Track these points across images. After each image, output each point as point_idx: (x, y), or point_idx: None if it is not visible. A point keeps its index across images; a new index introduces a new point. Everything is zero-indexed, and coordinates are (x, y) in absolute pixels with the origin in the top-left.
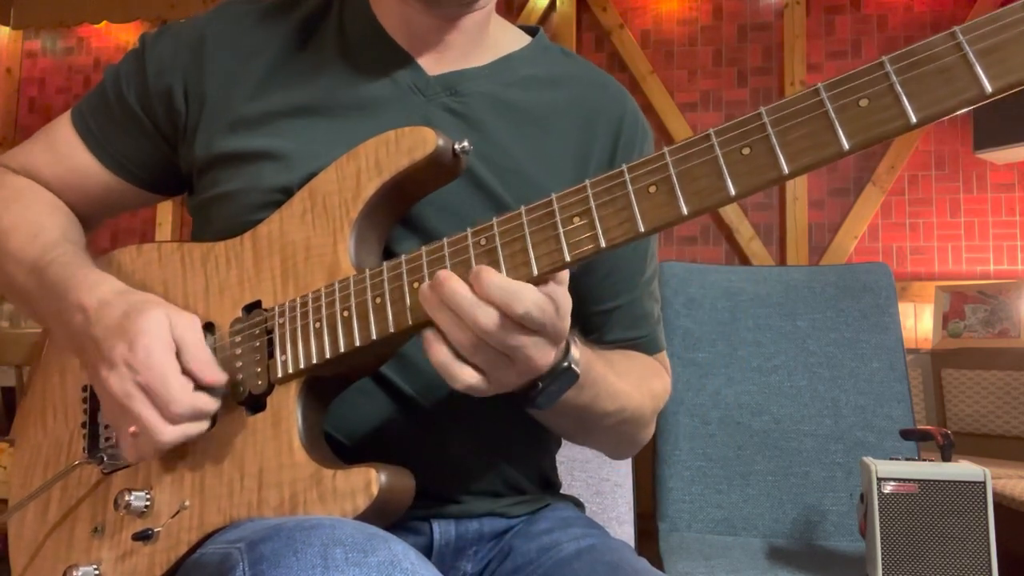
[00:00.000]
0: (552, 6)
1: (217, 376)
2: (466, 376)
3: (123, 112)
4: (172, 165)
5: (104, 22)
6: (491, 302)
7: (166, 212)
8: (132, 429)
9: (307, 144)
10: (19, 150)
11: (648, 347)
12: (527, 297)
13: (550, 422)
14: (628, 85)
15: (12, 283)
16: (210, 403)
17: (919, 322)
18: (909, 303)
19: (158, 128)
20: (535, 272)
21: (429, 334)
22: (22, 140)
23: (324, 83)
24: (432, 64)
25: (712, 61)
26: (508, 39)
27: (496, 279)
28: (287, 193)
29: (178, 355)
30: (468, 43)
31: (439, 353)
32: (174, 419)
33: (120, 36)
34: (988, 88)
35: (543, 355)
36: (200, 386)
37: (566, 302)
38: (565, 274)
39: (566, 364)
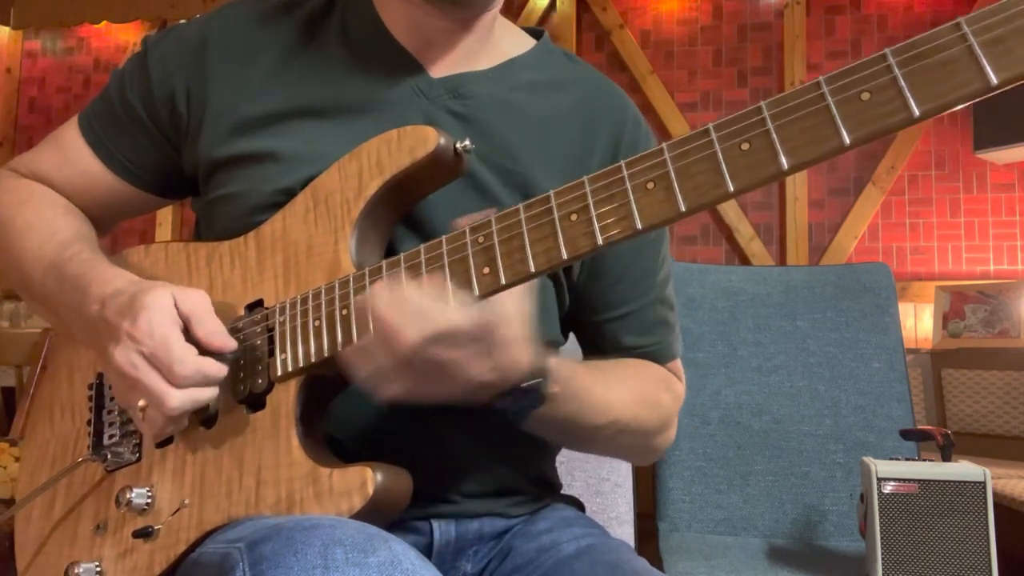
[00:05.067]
0: (552, 6)
1: (226, 342)
2: (391, 390)
3: (127, 116)
4: (177, 168)
5: (104, 22)
6: (412, 318)
7: (166, 212)
8: (141, 403)
9: (310, 145)
10: (28, 155)
11: (660, 356)
12: (440, 316)
13: (539, 433)
14: (628, 85)
15: (29, 281)
16: (217, 367)
17: (919, 322)
18: (909, 303)
19: (162, 131)
20: (532, 269)
21: (349, 353)
22: (22, 140)
23: (326, 84)
24: (436, 66)
25: (712, 61)
26: (512, 42)
27: (417, 297)
28: (289, 195)
29: (187, 328)
30: (475, 44)
31: (361, 371)
32: (179, 382)
33: (120, 36)
34: (994, 80)
35: (476, 365)
36: (208, 354)
37: (508, 310)
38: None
39: (525, 386)
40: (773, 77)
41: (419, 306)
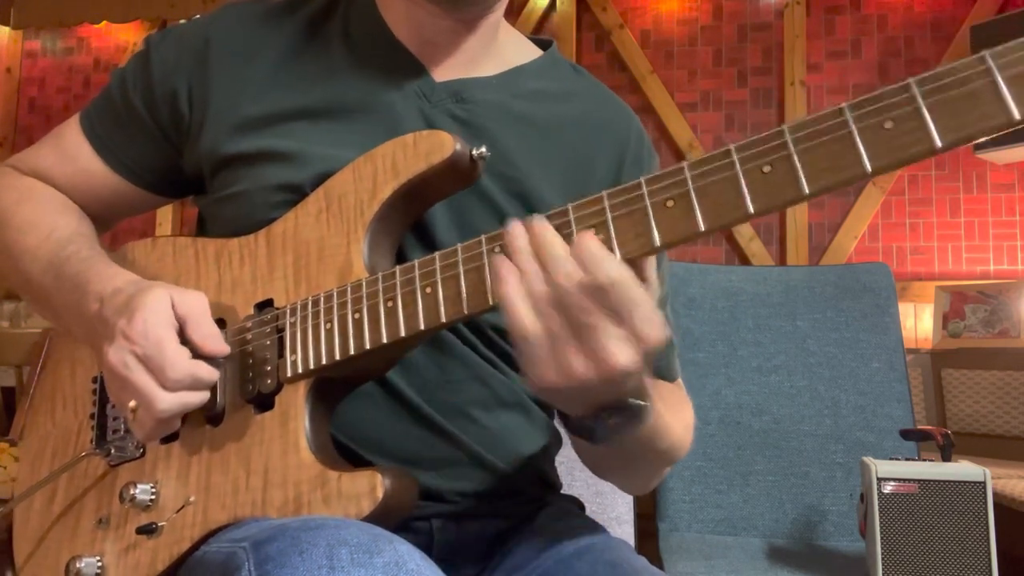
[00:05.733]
0: (552, 6)
1: (220, 347)
2: (525, 320)
3: (128, 115)
4: (178, 168)
5: (104, 22)
6: (578, 260)
7: (166, 211)
8: (132, 404)
9: (312, 145)
10: (28, 152)
11: (663, 374)
12: (612, 269)
13: (594, 455)
14: (628, 85)
15: (27, 279)
16: (209, 372)
17: (919, 322)
18: (909, 303)
19: (163, 130)
20: None
21: (504, 267)
22: (22, 140)
23: (328, 85)
24: (439, 70)
25: (712, 61)
26: (519, 50)
27: (591, 241)
28: (293, 190)
29: (183, 330)
30: (479, 47)
31: (509, 286)
32: (170, 386)
33: (120, 36)
34: (1016, 115)
35: (618, 351)
36: (202, 357)
37: (657, 312)
38: (653, 282)
39: (640, 403)
40: (773, 77)
41: (592, 247)
